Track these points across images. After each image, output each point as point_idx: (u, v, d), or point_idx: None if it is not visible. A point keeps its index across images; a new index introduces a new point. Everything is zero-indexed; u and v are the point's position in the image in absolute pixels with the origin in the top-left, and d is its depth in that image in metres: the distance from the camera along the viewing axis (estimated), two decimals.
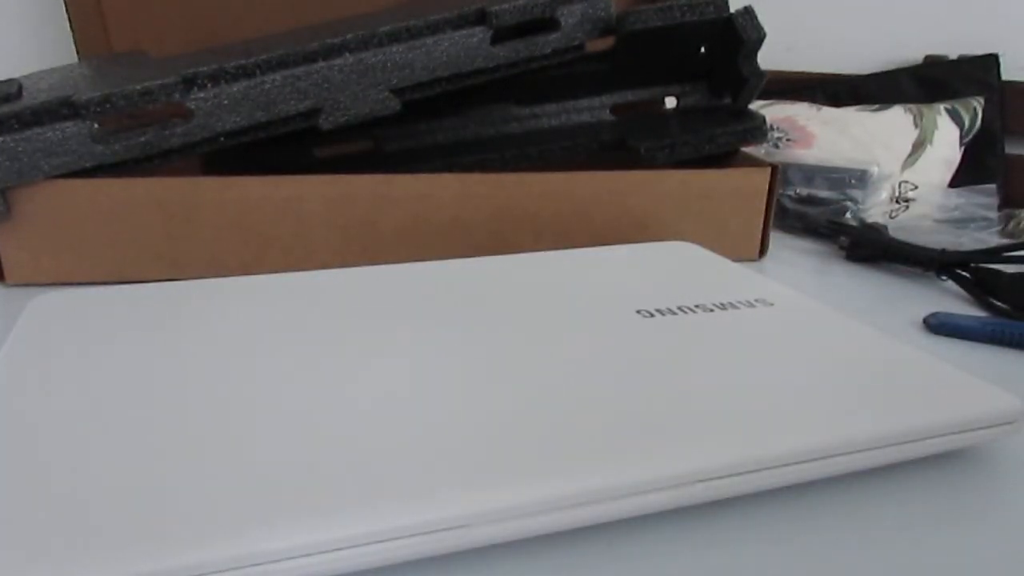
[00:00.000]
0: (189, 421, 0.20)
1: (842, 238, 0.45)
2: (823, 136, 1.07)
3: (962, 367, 0.25)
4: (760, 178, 0.42)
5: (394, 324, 0.27)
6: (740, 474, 0.20)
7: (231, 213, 0.38)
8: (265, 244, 0.38)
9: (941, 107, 1.17)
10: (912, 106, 1.15)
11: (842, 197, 0.51)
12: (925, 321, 0.35)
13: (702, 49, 0.46)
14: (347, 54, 0.38)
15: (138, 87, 0.35)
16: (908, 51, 1.27)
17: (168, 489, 0.18)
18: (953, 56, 1.25)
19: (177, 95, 0.36)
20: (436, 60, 0.40)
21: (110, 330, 0.26)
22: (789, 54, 1.24)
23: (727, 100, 0.47)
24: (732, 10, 0.42)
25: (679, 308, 0.28)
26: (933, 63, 1.26)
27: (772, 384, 0.23)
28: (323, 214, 0.38)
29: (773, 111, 1.12)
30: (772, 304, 0.29)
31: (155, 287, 0.30)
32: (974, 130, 1.18)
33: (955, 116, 1.16)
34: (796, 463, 0.20)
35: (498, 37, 0.41)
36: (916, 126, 1.13)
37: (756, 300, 0.29)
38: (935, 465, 0.23)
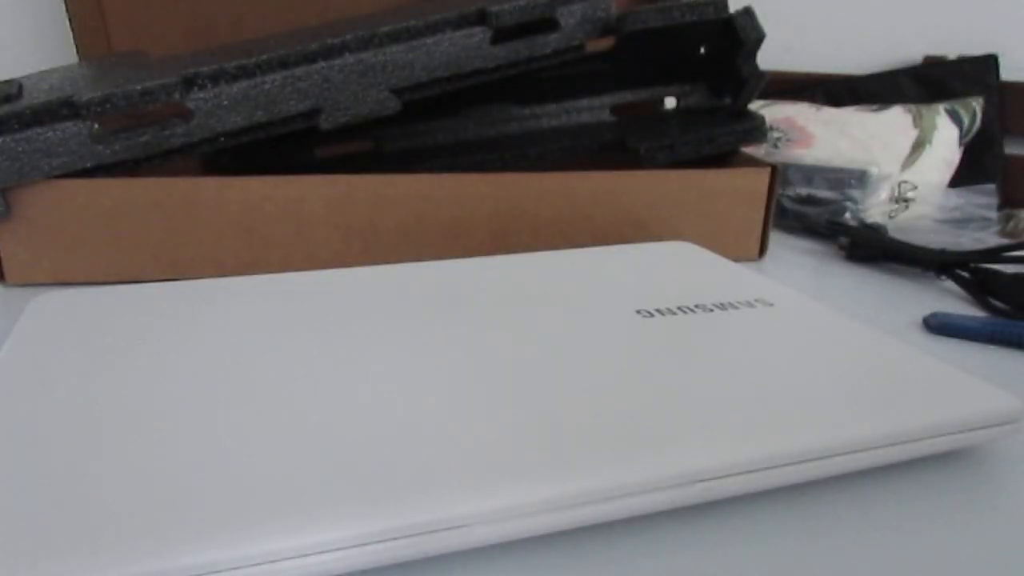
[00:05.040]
0: (188, 421, 0.20)
1: (842, 238, 0.45)
2: (823, 136, 1.07)
3: (962, 367, 0.25)
4: (760, 178, 0.42)
5: (394, 324, 0.27)
6: (740, 474, 0.20)
7: (231, 213, 0.38)
8: (265, 244, 0.38)
9: (941, 107, 1.17)
10: (912, 106, 1.16)
11: (841, 197, 0.51)
12: (925, 321, 0.35)
13: (702, 49, 0.46)
14: (347, 54, 0.38)
15: (138, 87, 0.35)
16: (908, 51, 1.27)
17: (168, 489, 0.18)
18: (953, 56, 1.25)
19: (177, 95, 0.36)
20: (436, 60, 0.40)
21: (110, 330, 0.26)
22: (789, 54, 1.24)
23: (727, 100, 0.47)
24: (732, 10, 0.42)
25: (679, 308, 0.28)
26: (933, 63, 1.26)
27: (772, 384, 0.23)
28: (323, 214, 0.38)
29: (773, 111, 1.12)
30: (772, 304, 0.29)
31: (155, 287, 0.30)
32: (973, 130, 1.18)
33: (954, 116, 1.17)
34: (796, 463, 0.20)
35: (498, 37, 0.41)
36: (916, 126, 1.13)
37: (756, 300, 0.30)
38: (935, 465, 0.23)
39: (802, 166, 0.54)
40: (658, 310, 0.28)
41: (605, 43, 0.44)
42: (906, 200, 0.54)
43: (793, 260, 0.45)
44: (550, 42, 0.42)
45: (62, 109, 0.35)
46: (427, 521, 0.17)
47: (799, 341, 0.26)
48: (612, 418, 0.21)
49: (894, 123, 1.13)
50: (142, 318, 0.27)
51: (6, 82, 0.40)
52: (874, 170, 0.53)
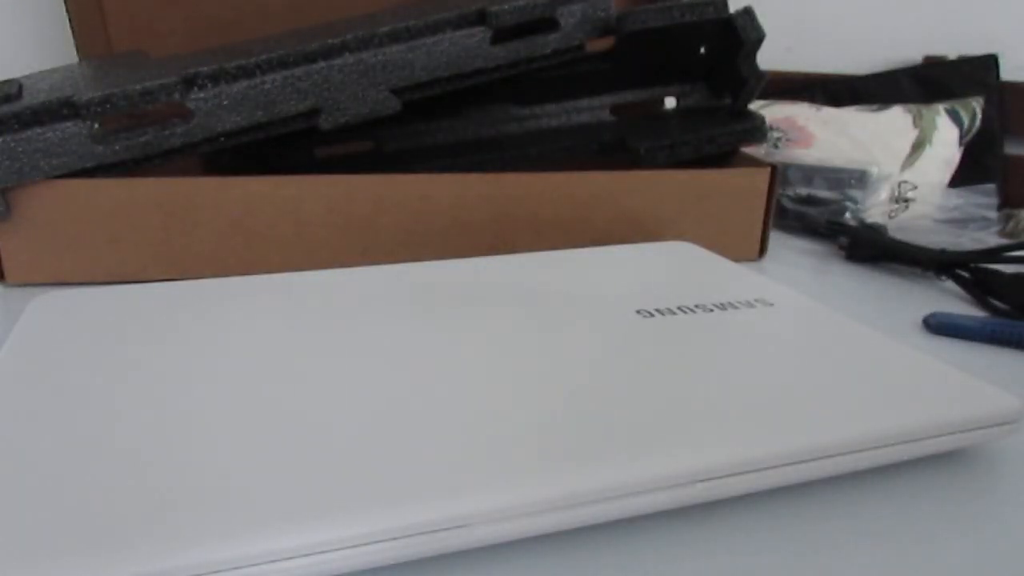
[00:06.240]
0: (189, 421, 0.20)
1: (842, 238, 0.45)
2: (823, 136, 1.07)
3: (962, 367, 0.25)
4: (760, 178, 0.42)
5: (394, 324, 0.27)
6: (740, 474, 0.20)
7: (231, 213, 0.38)
8: (265, 244, 0.38)
9: (941, 107, 1.17)
10: (912, 106, 1.15)
11: (842, 197, 0.51)
12: (925, 321, 0.35)
13: (702, 49, 0.46)
14: (347, 54, 0.38)
15: (138, 87, 0.35)
16: (908, 51, 1.27)
17: (168, 489, 0.18)
18: (953, 56, 1.25)
19: (177, 95, 0.36)
20: (436, 60, 0.40)
21: (110, 330, 0.26)
22: (789, 54, 1.24)
23: (727, 100, 0.47)
24: (732, 10, 0.42)
25: (679, 308, 0.28)
26: (933, 63, 1.26)
27: (772, 384, 0.23)
28: (323, 214, 0.38)
29: (773, 111, 1.12)
30: (772, 304, 0.29)
31: (155, 287, 0.30)
32: (973, 130, 1.18)
33: (955, 116, 1.16)
34: (796, 463, 0.20)
35: (498, 37, 0.41)
36: (915, 126, 1.13)
37: (756, 300, 0.30)
38: (935, 465, 0.23)
39: (802, 166, 0.54)
40: (658, 310, 0.28)
41: (605, 43, 0.44)
42: (906, 200, 0.54)
43: (793, 260, 0.45)
44: (550, 42, 0.42)
45: (62, 109, 0.35)
46: (427, 521, 0.17)
47: (799, 341, 0.26)
48: (612, 418, 0.21)
49: (894, 123, 1.13)
50: (142, 318, 0.27)
51: (6, 82, 0.39)
52: (874, 170, 0.53)
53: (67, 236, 0.37)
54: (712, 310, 0.28)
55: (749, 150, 0.48)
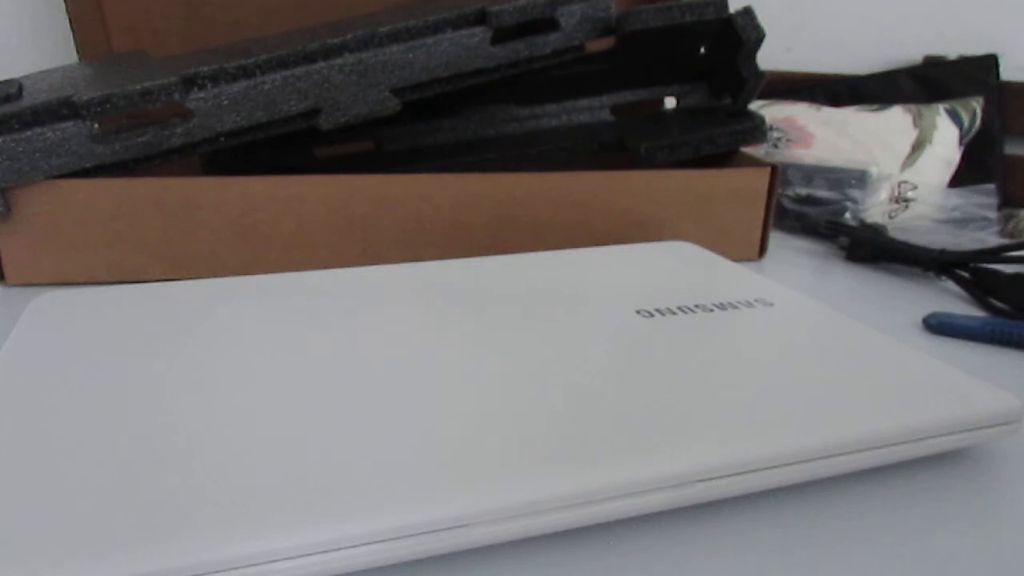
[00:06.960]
0: (189, 421, 0.20)
1: (841, 238, 0.45)
2: (823, 136, 1.07)
3: (962, 367, 0.25)
4: (760, 178, 0.42)
5: (393, 325, 0.27)
6: (740, 474, 0.20)
7: (231, 213, 0.38)
8: (265, 244, 0.38)
9: (940, 107, 1.17)
10: (912, 106, 1.16)
11: (841, 197, 0.51)
12: (925, 321, 0.35)
13: (702, 49, 0.46)
14: (347, 54, 0.38)
15: (138, 87, 0.35)
16: (908, 51, 1.27)
17: (168, 489, 0.18)
18: (953, 56, 1.25)
19: (177, 95, 0.36)
20: (436, 60, 0.40)
21: (110, 330, 0.26)
22: (789, 54, 1.24)
23: (727, 100, 0.47)
24: (732, 10, 0.42)
25: (679, 308, 0.28)
26: (933, 63, 1.26)
27: (772, 384, 0.23)
28: (323, 214, 0.38)
29: (773, 111, 1.12)
30: (772, 304, 0.29)
31: (155, 287, 0.30)
32: (973, 130, 1.18)
33: (954, 116, 1.17)
34: (796, 463, 0.20)
35: (498, 37, 0.41)
36: (915, 126, 1.13)
37: (756, 300, 0.30)
38: (935, 465, 0.23)
39: (802, 166, 0.54)
40: (658, 310, 0.28)
41: (605, 43, 0.44)
42: (906, 200, 0.54)
43: (793, 260, 0.45)
44: (550, 42, 0.42)
45: (62, 109, 0.35)
46: (427, 521, 0.17)
47: (799, 341, 0.26)
48: (612, 418, 0.21)
49: (894, 123, 1.13)
50: (142, 318, 0.27)
51: (6, 82, 0.39)
52: (874, 170, 0.53)
53: (67, 236, 0.37)
54: (712, 310, 0.28)
55: (749, 150, 0.48)
